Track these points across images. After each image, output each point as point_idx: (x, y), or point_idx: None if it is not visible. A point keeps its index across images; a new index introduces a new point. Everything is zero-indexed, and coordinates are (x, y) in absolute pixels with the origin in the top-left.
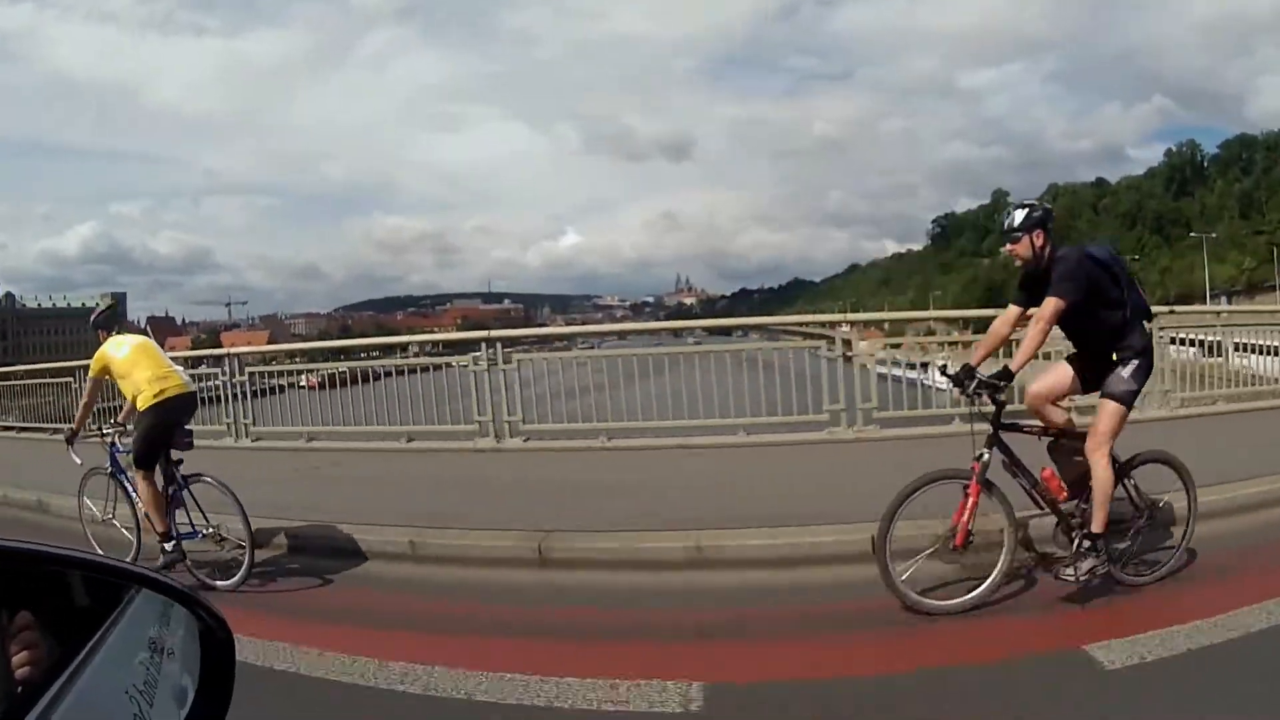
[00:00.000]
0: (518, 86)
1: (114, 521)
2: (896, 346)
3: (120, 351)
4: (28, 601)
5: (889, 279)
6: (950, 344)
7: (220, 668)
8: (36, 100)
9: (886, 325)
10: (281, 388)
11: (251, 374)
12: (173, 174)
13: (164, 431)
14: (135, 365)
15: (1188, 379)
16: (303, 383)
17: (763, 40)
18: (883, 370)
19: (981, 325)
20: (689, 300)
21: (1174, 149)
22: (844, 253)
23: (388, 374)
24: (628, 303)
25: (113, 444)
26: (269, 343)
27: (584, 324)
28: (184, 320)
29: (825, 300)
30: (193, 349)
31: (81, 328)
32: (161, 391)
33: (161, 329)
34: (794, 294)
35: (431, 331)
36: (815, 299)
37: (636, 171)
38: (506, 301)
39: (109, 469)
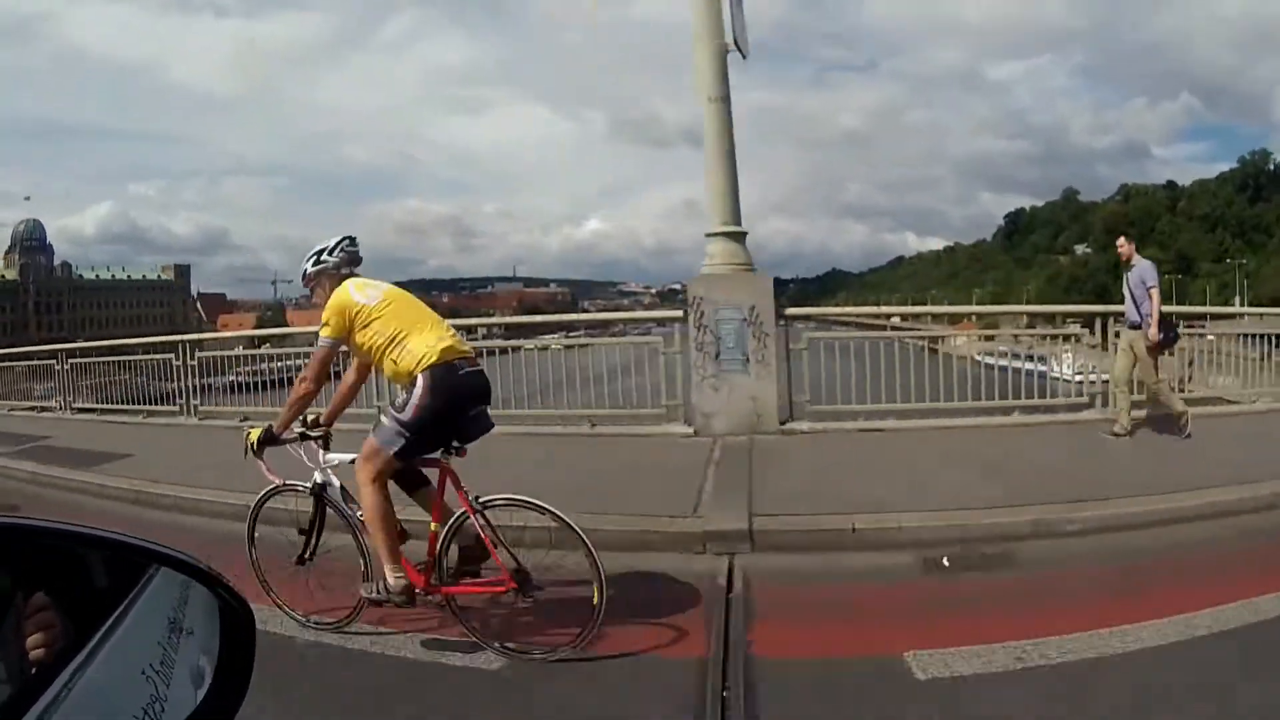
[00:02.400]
0: (542, 70)
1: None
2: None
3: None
4: (46, 580)
5: (955, 273)
6: (1066, 337)
7: (240, 647)
8: (55, 79)
9: (975, 318)
10: None
11: None
12: (189, 154)
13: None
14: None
15: None
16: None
17: (789, 27)
18: (990, 361)
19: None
20: None
21: (1247, 156)
22: (862, 244)
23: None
24: (653, 289)
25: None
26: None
27: (616, 310)
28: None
29: (871, 292)
30: (258, 327)
31: (140, 300)
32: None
33: (214, 306)
34: (833, 285)
35: (489, 314)
36: (861, 291)
37: (660, 158)
38: (553, 285)
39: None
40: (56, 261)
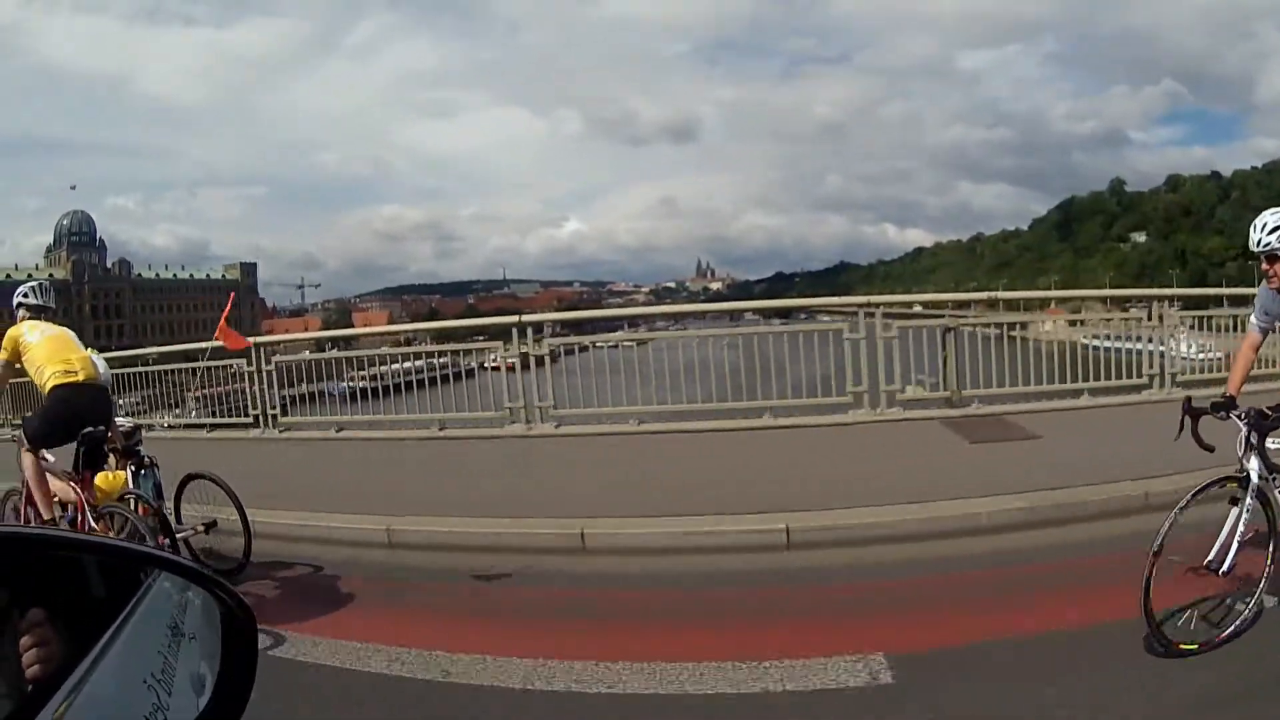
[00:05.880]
0: (513, 72)
1: None
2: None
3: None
4: (43, 591)
5: (1007, 262)
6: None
7: (242, 652)
8: (26, 93)
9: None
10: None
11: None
12: (164, 166)
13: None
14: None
15: None
16: (488, 362)
17: (760, 21)
18: (1096, 344)
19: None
20: (715, 285)
21: None
22: (843, 237)
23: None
24: (645, 289)
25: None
26: (390, 322)
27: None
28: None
29: (895, 284)
30: (325, 328)
31: (206, 303)
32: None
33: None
34: (842, 278)
35: (525, 311)
36: (886, 283)
37: (637, 156)
38: (577, 284)
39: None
40: (111, 260)
